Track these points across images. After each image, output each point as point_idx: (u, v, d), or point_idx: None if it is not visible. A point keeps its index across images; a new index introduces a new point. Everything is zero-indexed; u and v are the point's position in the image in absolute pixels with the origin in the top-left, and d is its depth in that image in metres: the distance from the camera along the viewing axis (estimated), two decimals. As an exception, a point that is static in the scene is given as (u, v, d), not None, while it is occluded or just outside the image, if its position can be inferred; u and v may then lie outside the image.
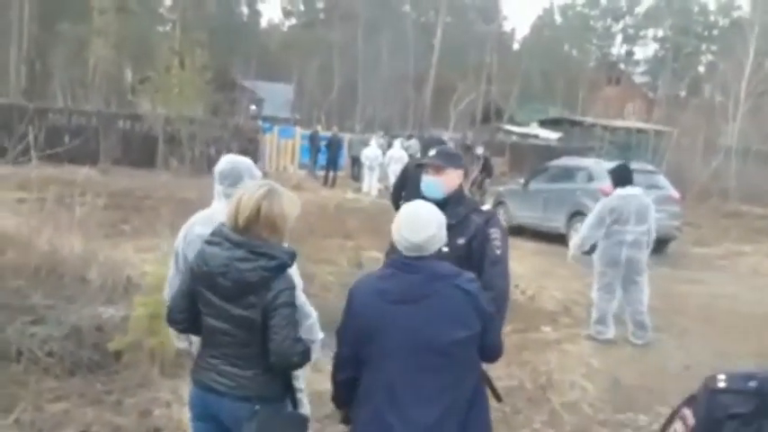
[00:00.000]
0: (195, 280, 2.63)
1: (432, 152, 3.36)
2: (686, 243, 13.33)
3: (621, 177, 6.79)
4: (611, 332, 6.67)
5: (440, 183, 3.20)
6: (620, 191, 6.72)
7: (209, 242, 2.61)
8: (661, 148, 26.03)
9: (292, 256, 2.60)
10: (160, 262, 6.05)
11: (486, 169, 16.50)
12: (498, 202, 14.07)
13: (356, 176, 21.41)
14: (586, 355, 6.19)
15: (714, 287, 9.57)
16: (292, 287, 2.56)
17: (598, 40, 60.83)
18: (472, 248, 3.08)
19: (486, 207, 3.33)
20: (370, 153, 19.34)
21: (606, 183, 11.55)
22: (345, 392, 2.63)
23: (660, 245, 9.27)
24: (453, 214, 3.00)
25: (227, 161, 3.36)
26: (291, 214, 2.64)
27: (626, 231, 6.57)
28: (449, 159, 3.27)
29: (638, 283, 6.65)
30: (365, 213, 13.18)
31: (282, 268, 2.54)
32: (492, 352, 2.63)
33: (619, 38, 60.92)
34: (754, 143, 26.64)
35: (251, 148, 21.59)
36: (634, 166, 11.49)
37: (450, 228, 2.68)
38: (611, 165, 12.60)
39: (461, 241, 3.06)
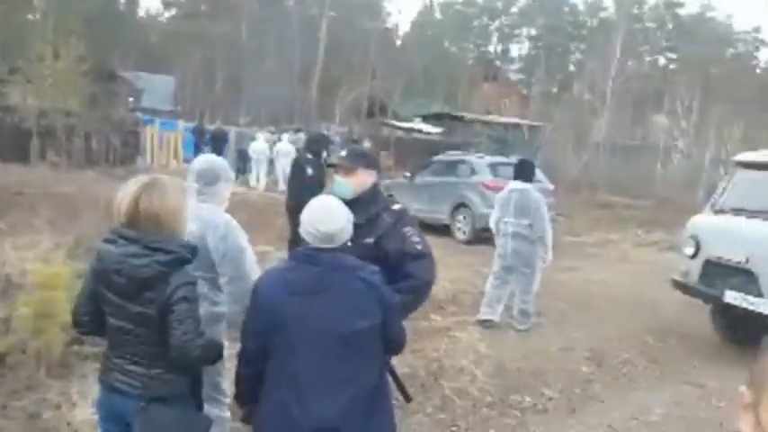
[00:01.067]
0: (95, 279, 2.56)
1: (343, 153, 3.42)
2: (561, 233, 14.00)
3: (515, 172, 7.22)
4: (495, 315, 7.03)
5: (350, 183, 3.22)
6: (511, 184, 7.14)
7: (105, 240, 2.54)
8: (535, 143, 27.16)
9: (192, 251, 2.56)
10: (42, 259, 5.84)
11: (374, 163, 16.67)
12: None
13: (242, 170, 21.10)
14: (475, 340, 6.45)
15: (588, 274, 10.19)
16: (192, 281, 2.51)
17: (476, 38, 62.43)
18: (381, 247, 3.09)
19: (397, 206, 3.31)
20: (258, 147, 19.12)
21: (487, 177, 12.21)
22: (250, 389, 2.61)
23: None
24: (363, 213, 3.01)
25: (204, 160, 3.32)
26: (178, 207, 2.57)
27: (508, 223, 6.98)
28: (358, 160, 3.30)
29: (527, 275, 7.01)
30: (254, 207, 13.03)
31: (180, 262, 2.49)
32: (396, 344, 2.70)
33: (495, 36, 62.85)
34: (619, 138, 28.29)
35: (132, 141, 20.90)
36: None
37: (358, 227, 2.73)
38: (492, 159, 13.27)
39: (370, 240, 3.07)
